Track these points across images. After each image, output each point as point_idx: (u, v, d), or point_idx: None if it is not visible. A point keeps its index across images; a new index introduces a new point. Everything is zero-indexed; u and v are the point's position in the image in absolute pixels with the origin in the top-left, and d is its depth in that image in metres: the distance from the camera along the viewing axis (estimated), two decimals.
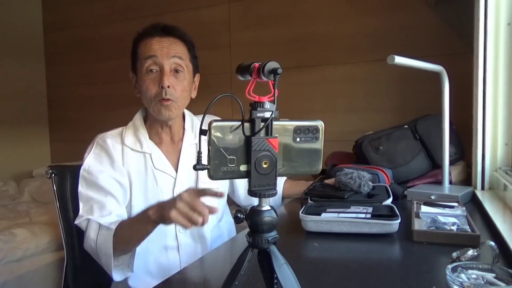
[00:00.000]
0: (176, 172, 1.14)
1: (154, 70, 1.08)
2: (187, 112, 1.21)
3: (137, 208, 1.09)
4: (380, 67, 1.92)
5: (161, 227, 1.10)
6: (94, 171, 1.08)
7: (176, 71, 1.10)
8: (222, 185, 1.22)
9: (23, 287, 1.84)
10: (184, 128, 1.19)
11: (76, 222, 1.05)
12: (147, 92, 1.08)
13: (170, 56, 1.08)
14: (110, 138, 1.13)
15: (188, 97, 1.15)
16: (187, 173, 1.15)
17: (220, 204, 1.22)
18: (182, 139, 1.18)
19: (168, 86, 1.06)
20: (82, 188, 1.08)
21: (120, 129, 1.17)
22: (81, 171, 1.09)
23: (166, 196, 1.11)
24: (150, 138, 1.15)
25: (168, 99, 1.07)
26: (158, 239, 1.11)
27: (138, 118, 1.18)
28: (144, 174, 1.11)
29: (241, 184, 1.29)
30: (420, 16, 1.85)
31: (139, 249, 1.09)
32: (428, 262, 0.77)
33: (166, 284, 0.74)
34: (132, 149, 1.12)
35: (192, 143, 1.19)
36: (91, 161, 1.10)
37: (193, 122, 1.21)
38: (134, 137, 1.14)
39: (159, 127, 1.15)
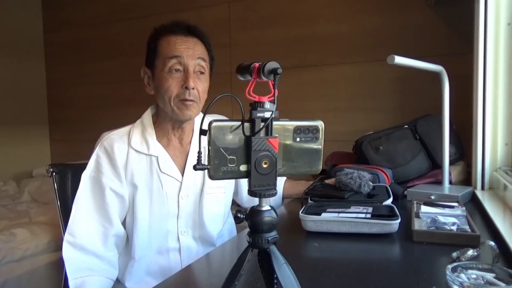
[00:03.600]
0: (182, 176, 1.12)
1: (179, 70, 1.06)
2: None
3: (141, 211, 1.08)
4: (380, 67, 1.92)
5: (162, 228, 1.11)
6: (94, 184, 1.07)
7: (200, 72, 1.08)
8: (228, 188, 1.21)
9: (23, 287, 1.84)
10: (193, 130, 1.16)
11: (64, 240, 1.04)
12: (167, 92, 1.05)
13: (195, 57, 1.06)
14: (116, 139, 1.09)
15: (205, 98, 1.13)
16: (194, 177, 1.13)
17: (226, 206, 1.21)
18: (190, 142, 1.15)
19: (193, 88, 1.05)
20: (81, 196, 1.06)
21: (128, 127, 1.13)
22: (83, 176, 1.07)
23: (171, 200, 1.10)
24: (157, 139, 1.12)
25: (191, 100, 1.05)
26: (159, 241, 1.11)
27: (147, 117, 1.14)
28: (150, 177, 1.09)
29: (245, 186, 1.28)
30: (420, 16, 1.85)
31: (139, 251, 1.10)
32: (428, 262, 0.77)
33: (165, 284, 0.74)
34: (137, 151, 1.09)
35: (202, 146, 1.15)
36: (93, 165, 1.08)
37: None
38: (141, 138, 1.10)
39: (170, 127, 1.12)
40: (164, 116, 1.12)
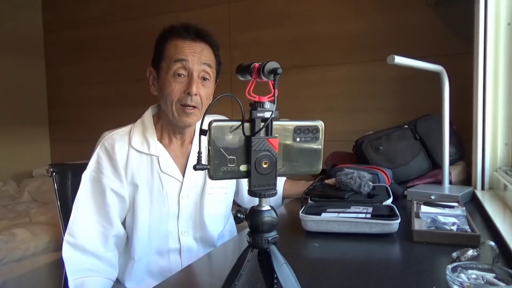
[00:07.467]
0: (183, 176, 1.12)
1: (182, 75, 1.05)
2: None
3: (141, 211, 1.08)
4: (380, 67, 1.92)
5: (162, 229, 1.11)
6: (95, 185, 1.06)
7: (204, 78, 1.07)
8: (229, 189, 1.21)
9: (23, 287, 1.84)
10: (194, 131, 1.16)
11: (64, 238, 1.04)
12: (170, 95, 1.05)
13: (200, 63, 1.05)
14: (117, 139, 1.08)
15: (208, 104, 1.12)
16: (195, 178, 1.13)
17: (227, 207, 1.21)
18: (191, 142, 1.15)
19: (196, 94, 1.04)
20: (81, 196, 1.06)
21: (128, 127, 1.13)
22: (84, 176, 1.07)
23: (171, 200, 1.10)
24: (158, 139, 1.11)
25: (192, 107, 1.05)
26: (159, 241, 1.11)
27: (147, 117, 1.14)
28: (150, 177, 1.09)
29: (246, 186, 1.27)
30: (420, 16, 1.85)
31: (138, 251, 1.10)
32: (428, 262, 0.77)
33: (165, 284, 0.74)
34: (138, 151, 1.08)
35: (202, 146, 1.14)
36: (93, 166, 1.07)
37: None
38: (141, 137, 1.10)
39: (170, 129, 1.12)
40: (165, 118, 1.11)
